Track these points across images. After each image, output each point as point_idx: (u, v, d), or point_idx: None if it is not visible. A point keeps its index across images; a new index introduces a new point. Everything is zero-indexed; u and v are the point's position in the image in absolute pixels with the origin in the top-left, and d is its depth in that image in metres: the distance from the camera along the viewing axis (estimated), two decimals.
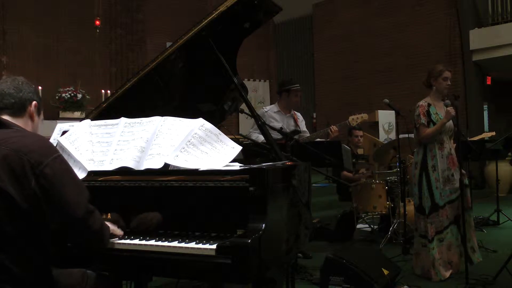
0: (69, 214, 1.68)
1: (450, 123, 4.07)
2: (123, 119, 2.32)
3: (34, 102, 1.91)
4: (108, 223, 1.93)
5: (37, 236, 1.71)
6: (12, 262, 1.61)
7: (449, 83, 4.12)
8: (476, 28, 10.20)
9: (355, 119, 5.08)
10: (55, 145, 2.16)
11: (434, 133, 3.99)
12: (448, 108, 3.92)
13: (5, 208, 1.61)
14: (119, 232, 1.99)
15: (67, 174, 1.72)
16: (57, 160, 1.70)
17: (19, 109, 1.86)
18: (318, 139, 4.90)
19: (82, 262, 1.99)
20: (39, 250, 1.71)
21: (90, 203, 1.77)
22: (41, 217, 1.68)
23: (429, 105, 4.09)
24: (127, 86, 2.61)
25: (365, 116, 5.17)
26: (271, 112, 4.84)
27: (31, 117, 1.91)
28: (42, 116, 1.99)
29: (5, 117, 1.82)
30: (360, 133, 6.31)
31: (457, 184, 3.97)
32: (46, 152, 1.70)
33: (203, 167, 2.05)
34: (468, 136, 6.53)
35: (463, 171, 3.90)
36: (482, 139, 6.45)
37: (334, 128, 4.81)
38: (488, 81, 10.90)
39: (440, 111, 4.05)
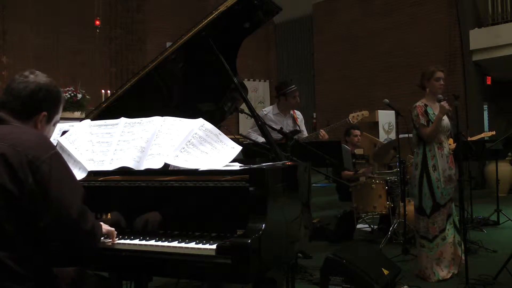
0: (62, 213, 1.66)
1: (447, 122, 4.07)
2: (123, 119, 2.32)
3: (43, 113, 1.82)
4: (102, 224, 1.91)
5: (36, 233, 1.70)
6: (12, 260, 1.61)
7: (442, 83, 4.10)
8: (476, 28, 10.20)
9: (355, 116, 5.06)
10: (54, 144, 2.14)
11: (434, 130, 3.99)
12: (442, 103, 3.91)
13: (5, 205, 1.60)
14: (114, 233, 1.95)
15: (63, 171, 1.71)
16: (54, 157, 1.69)
17: (26, 115, 1.78)
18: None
19: (79, 261, 1.98)
20: (38, 248, 1.70)
21: (84, 203, 1.74)
22: (40, 214, 1.66)
23: (425, 105, 4.09)
24: (127, 86, 2.61)
25: (365, 113, 5.16)
26: (270, 114, 4.84)
27: (35, 125, 1.83)
28: (52, 124, 1.91)
29: (5, 115, 1.75)
30: (358, 132, 6.29)
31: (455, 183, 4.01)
32: (43, 148, 1.68)
33: (203, 167, 2.05)
34: (468, 136, 6.51)
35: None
36: (482, 139, 6.44)
37: (322, 132, 4.86)
38: (488, 81, 10.89)
39: (437, 111, 4.04)
